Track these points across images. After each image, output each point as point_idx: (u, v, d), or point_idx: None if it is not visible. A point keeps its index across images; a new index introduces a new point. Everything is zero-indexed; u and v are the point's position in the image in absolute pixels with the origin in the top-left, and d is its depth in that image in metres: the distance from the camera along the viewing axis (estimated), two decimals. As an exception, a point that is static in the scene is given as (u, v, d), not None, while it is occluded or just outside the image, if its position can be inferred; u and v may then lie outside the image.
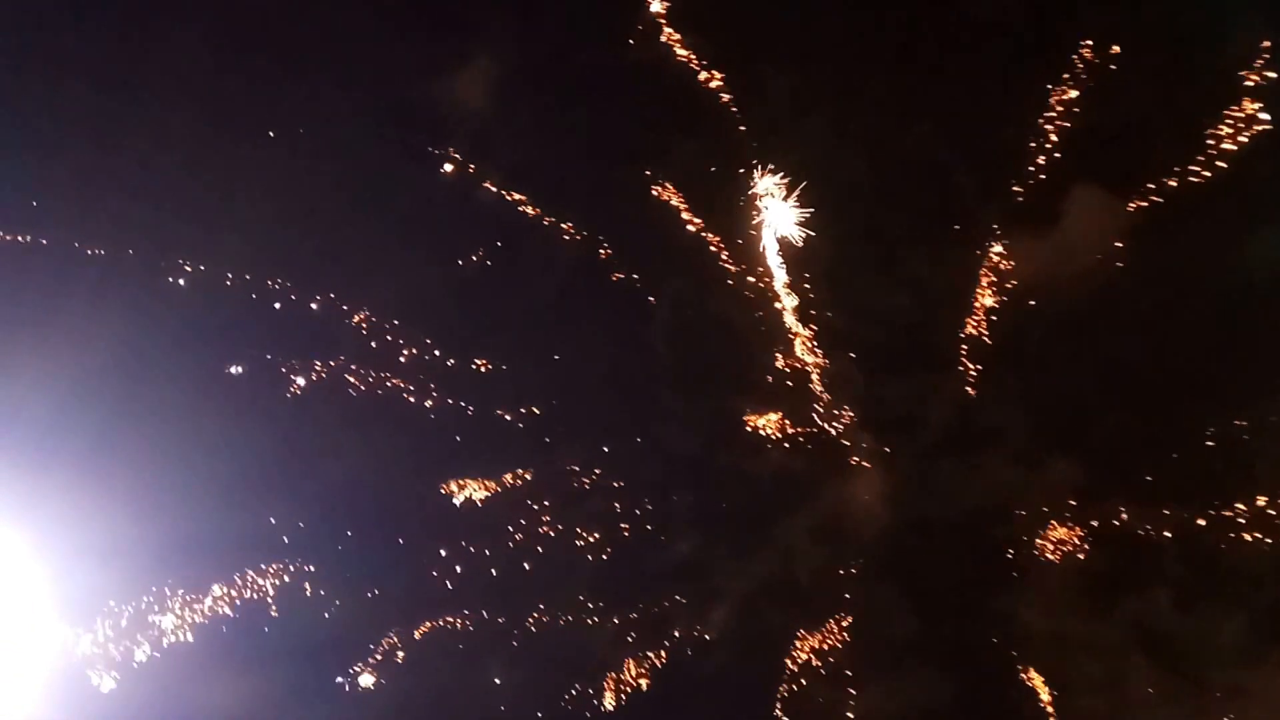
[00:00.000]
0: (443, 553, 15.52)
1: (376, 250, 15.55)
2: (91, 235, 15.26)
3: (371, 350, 15.70)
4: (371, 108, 15.52)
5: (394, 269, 15.58)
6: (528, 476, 15.68)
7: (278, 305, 15.66)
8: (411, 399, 15.69)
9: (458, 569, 15.54)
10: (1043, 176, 14.58)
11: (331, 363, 15.69)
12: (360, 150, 15.37)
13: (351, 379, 15.71)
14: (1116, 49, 13.96)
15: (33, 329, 14.97)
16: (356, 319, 15.69)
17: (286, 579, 15.53)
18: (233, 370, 15.65)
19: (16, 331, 14.98)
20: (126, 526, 14.86)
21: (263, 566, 15.47)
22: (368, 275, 15.67)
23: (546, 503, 15.62)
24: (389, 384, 15.71)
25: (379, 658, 15.43)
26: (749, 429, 15.59)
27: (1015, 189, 14.72)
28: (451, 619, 15.50)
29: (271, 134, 15.42)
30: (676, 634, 15.38)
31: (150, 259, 15.43)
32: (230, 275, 15.52)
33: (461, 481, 15.60)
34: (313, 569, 15.54)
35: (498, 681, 15.43)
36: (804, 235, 15.08)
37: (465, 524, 15.58)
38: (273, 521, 15.53)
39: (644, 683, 15.28)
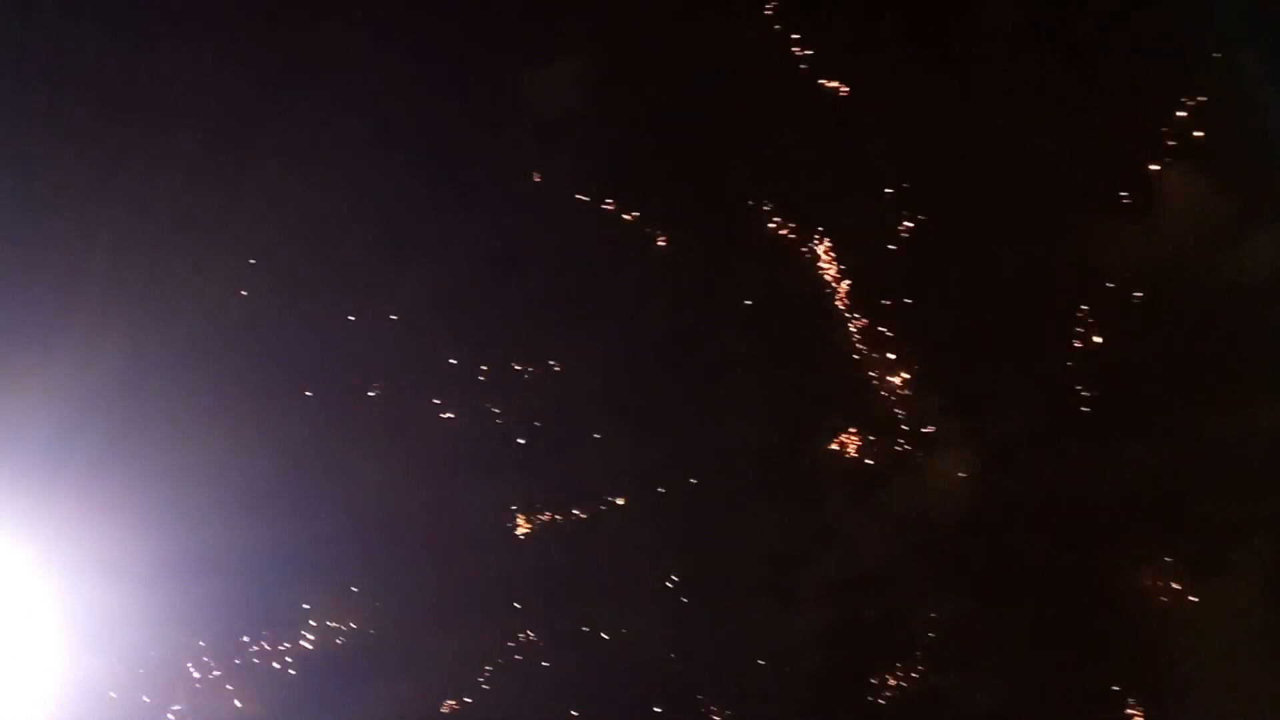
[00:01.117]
0: (513, 585, 15.00)
1: (444, 258, 15.11)
2: (95, 251, 14.81)
3: (429, 367, 15.16)
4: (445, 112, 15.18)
5: (461, 279, 15.13)
6: (618, 501, 15.11)
7: (352, 318, 15.19)
8: (489, 419, 15.12)
9: (531, 599, 15.00)
10: (1150, 175, 14.53)
11: (376, 384, 15.15)
12: (439, 160, 15.11)
13: (404, 397, 15.16)
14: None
15: (38, 343, 14.52)
16: (419, 335, 15.16)
17: (328, 607, 14.86)
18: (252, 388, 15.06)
19: (21, 344, 14.51)
20: (136, 542, 14.36)
21: (299, 592, 14.80)
22: (427, 284, 15.14)
23: (627, 531, 15.14)
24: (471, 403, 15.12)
25: (447, 691, 14.81)
26: (829, 427, 15.26)
27: (1122, 193, 14.65)
28: (526, 648, 14.93)
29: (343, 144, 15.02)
30: (761, 661, 14.99)
31: (156, 274, 14.91)
32: (250, 290, 15.03)
33: (536, 510, 15.08)
34: (356, 590, 14.83)
35: (575, 715, 14.83)
36: (901, 234, 14.92)
37: (538, 553, 15.05)
38: (303, 542, 14.82)
39: (731, 710, 14.84)
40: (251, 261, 15.01)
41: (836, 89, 14.78)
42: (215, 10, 15.18)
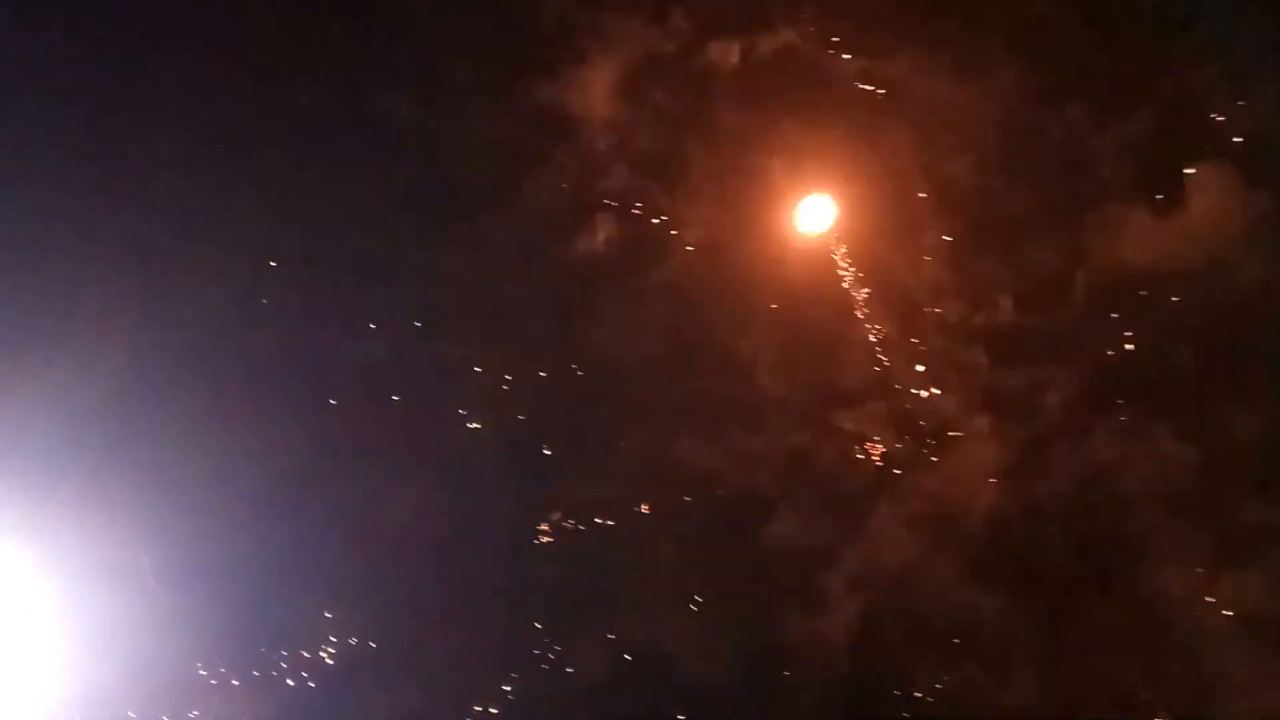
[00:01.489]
0: (537, 594, 14.88)
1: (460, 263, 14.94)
2: (98, 256, 14.60)
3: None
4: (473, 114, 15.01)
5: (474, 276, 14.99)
6: (642, 508, 14.93)
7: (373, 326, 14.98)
8: (514, 428, 14.97)
9: (555, 607, 14.87)
10: (1182, 170, 14.46)
11: (394, 394, 14.95)
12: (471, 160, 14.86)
13: (427, 405, 14.97)
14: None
15: (41, 347, 14.29)
16: (440, 343, 14.99)
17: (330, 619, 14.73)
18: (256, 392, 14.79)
19: (24, 348, 14.25)
20: (138, 548, 14.26)
21: (319, 603, 14.63)
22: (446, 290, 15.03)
23: (651, 539, 15.00)
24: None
25: (473, 698, 14.63)
26: (858, 431, 15.18)
27: (1155, 190, 14.56)
28: (550, 656, 14.77)
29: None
30: (790, 671, 14.83)
31: (160, 278, 14.70)
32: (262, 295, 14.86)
33: (561, 518, 14.90)
34: (378, 600, 14.64)
35: (597, 727, 14.81)
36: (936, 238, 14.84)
37: (562, 562, 14.91)
38: (322, 552, 14.64)
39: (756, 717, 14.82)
40: (273, 264, 14.81)
41: (873, 90, 14.68)
42: (216, 12, 15.03)
